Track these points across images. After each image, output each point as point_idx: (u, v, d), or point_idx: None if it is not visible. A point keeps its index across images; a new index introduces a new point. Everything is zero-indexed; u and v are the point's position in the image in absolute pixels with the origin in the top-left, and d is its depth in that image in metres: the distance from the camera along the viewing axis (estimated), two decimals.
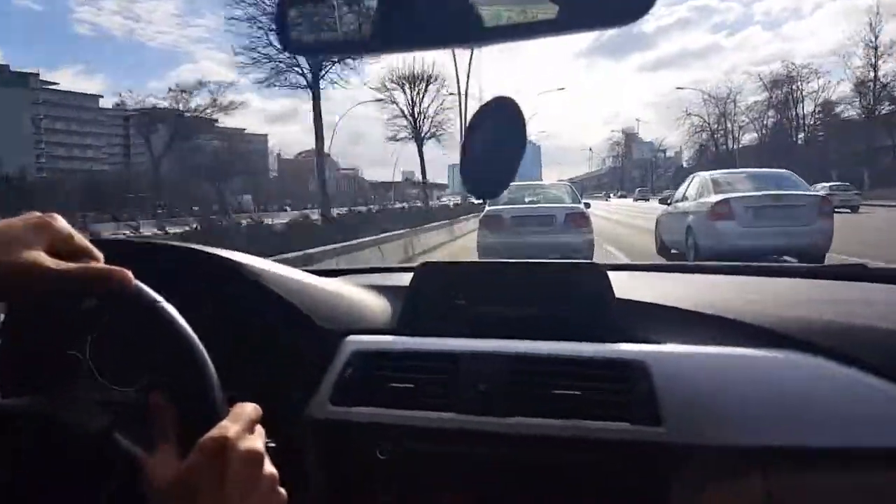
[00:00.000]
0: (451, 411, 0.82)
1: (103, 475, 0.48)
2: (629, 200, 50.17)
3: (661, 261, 7.42)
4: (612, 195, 63.77)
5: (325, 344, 0.92)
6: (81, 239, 0.50)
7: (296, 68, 19.84)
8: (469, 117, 0.95)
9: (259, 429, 0.52)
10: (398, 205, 32.70)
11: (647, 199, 52.39)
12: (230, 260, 0.94)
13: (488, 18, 0.60)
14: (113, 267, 0.49)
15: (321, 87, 20.29)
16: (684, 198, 8.22)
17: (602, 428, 0.77)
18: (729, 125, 55.09)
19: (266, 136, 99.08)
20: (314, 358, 0.91)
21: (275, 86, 20.60)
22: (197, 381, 0.52)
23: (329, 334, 0.93)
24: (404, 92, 31.33)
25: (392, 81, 31.09)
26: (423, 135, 31.19)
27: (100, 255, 0.51)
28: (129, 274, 0.49)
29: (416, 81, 31.31)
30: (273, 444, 0.74)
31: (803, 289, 1.12)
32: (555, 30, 0.61)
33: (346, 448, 0.85)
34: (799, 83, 47.18)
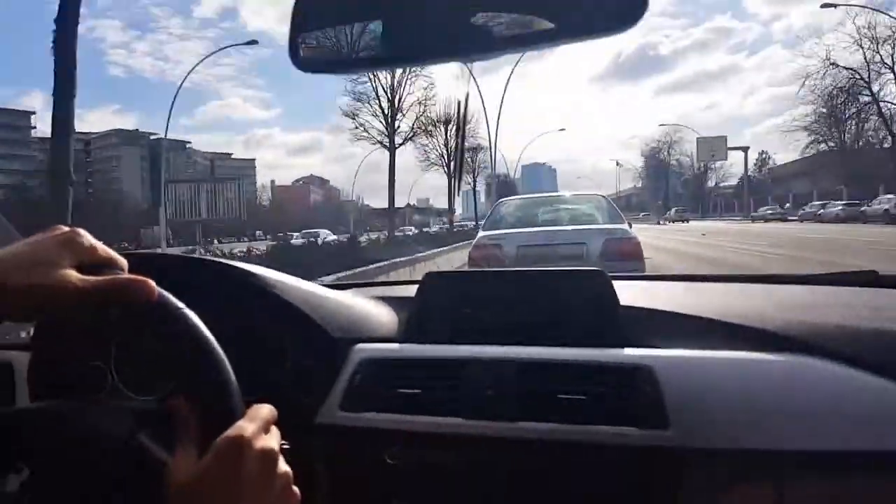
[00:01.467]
0: (458, 416, 0.83)
1: (125, 478, 0.49)
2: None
3: None
4: (661, 219, 47.51)
5: (335, 352, 0.94)
6: (106, 250, 0.52)
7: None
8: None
9: (274, 429, 0.54)
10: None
11: (686, 221, 39.77)
12: (247, 271, 0.97)
13: (488, 32, 0.63)
14: (136, 277, 0.51)
15: None
16: None
17: (609, 432, 0.77)
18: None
19: (254, 160, 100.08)
20: (325, 365, 0.93)
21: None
22: (217, 384, 0.53)
23: (339, 343, 0.95)
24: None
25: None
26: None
27: (124, 263, 0.53)
28: (152, 283, 0.51)
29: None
30: (287, 446, 0.78)
31: (811, 294, 1.11)
32: (550, 40, 0.63)
33: (356, 453, 0.87)
34: None
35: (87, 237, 0.50)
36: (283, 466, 0.51)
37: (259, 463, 0.48)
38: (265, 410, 0.54)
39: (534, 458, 0.80)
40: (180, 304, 0.55)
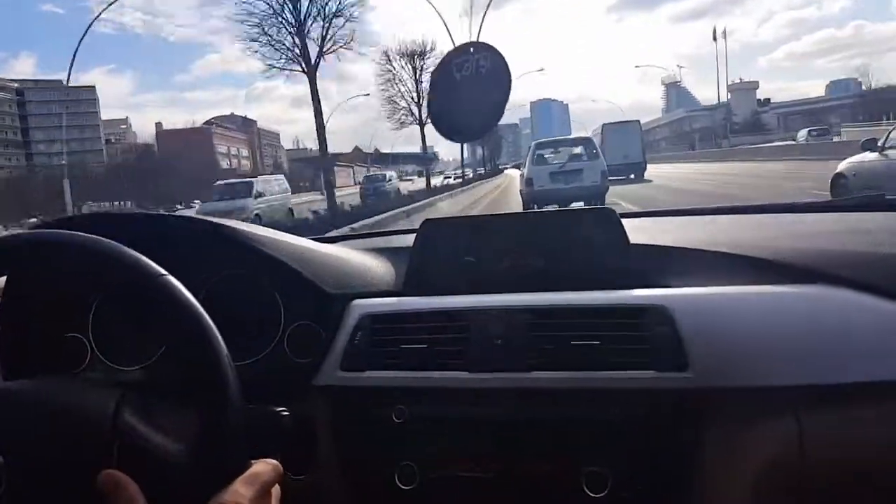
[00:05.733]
0: (466, 370, 0.80)
1: (108, 454, 0.47)
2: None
3: None
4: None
5: (332, 309, 0.89)
6: None
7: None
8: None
9: (276, 491, 0.51)
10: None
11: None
12: (233, 229, 0.91)
13: None
14: None
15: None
16: None
17: (626, 377, 0.75)
18: None
19: (93, 87, 69.38)
20: (322, 324, 0.89)
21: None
22: (204, 353, 0.51)
23: (335, 299, 0.90)
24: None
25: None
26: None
27: None
28: None
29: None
30: (286, 412, 0.73)
31: (823, 222, 1.08)
32: None
33: (360, 414, 0.83)
34: None
35: None
36: None
37: None
38: (267, 470, 0.50)
39: (548, 409, 0.77)
40: (161, 271, 0.53)
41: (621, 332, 0.78)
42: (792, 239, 0.92)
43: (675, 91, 72.32)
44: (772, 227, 1.07)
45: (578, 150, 11.33)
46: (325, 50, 18.14)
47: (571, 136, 17.43)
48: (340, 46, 17.47)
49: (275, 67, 17.44)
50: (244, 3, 16.86)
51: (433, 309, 0.88)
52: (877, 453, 0.70)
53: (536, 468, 0.77)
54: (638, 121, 26.38)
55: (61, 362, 0.84)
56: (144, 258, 0.52)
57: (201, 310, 0.52)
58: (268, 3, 17.73)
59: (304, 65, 17.43)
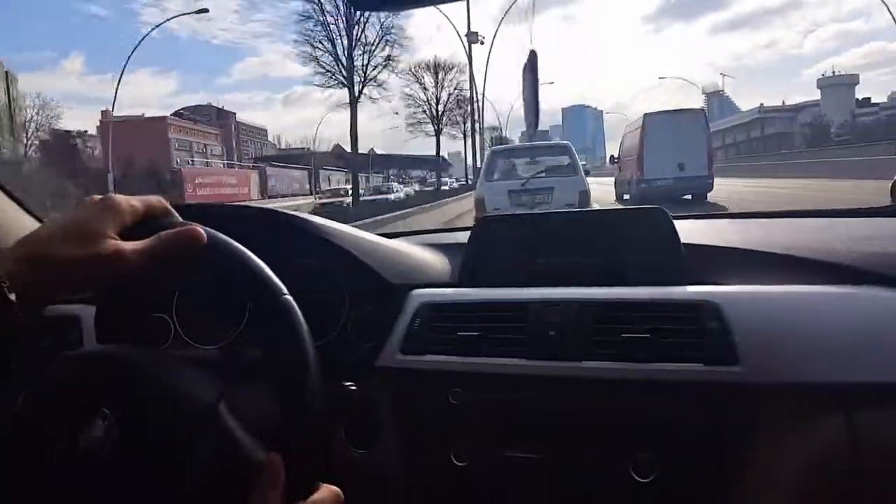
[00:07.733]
0: (520, 357, 0.84)
1: (201, 445, 0.45)
2: None
3: None
4: None
5: (393, 298, 0.95)
6: (147, 203, 0.50)
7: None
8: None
9: None
10: None
11: None
12: (307, 221, 0.98)
13: None
14: (181, 229, 0.49)
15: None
16: None
17: (676, 369, 0.76)
18: None
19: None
20: (383, 311, 0.94)
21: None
22: (287, 329, 0.51)
23: (396, 289, 0.96)
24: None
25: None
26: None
27: (168, 210, 0.51)
28: (199, 229, 0.49)
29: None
30: (354, 387, 0.79)
31: (876, 226, 1.09)
32: None
33: (418, 395, 0.88)
34: None
35: (123, 199, 0.48)
36: None
37: None
38: (327, 498, 0.48)
39: (599, 398, 0.80)
40: (284, 290, 0.53)
41: (673, 327, 0.80)
42: (845, 242, 0.93)
43: (716, 100, 69.43)
44: (823, 229, 1.08)
45: (551, 160, 8.34)
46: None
47: (543, 143, 12.89)
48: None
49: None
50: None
51: (488, 299, 0.93)
52: None
53: (585, 452, 0.80)
54: (703, 109, 17.38)
55: (148, 339, 0.90)
56: (270, 272, 0.53)
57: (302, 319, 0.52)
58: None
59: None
